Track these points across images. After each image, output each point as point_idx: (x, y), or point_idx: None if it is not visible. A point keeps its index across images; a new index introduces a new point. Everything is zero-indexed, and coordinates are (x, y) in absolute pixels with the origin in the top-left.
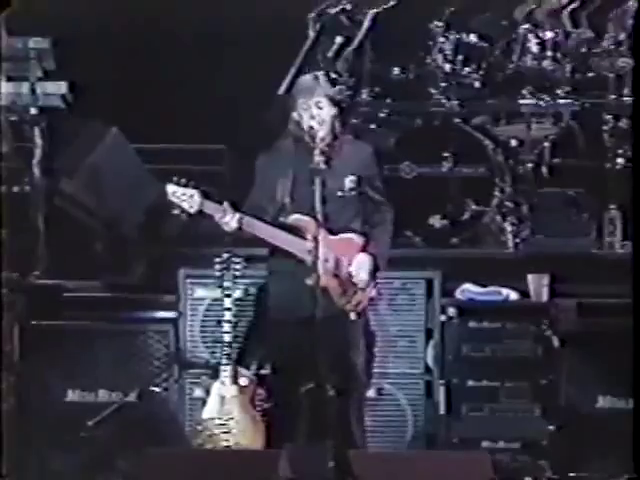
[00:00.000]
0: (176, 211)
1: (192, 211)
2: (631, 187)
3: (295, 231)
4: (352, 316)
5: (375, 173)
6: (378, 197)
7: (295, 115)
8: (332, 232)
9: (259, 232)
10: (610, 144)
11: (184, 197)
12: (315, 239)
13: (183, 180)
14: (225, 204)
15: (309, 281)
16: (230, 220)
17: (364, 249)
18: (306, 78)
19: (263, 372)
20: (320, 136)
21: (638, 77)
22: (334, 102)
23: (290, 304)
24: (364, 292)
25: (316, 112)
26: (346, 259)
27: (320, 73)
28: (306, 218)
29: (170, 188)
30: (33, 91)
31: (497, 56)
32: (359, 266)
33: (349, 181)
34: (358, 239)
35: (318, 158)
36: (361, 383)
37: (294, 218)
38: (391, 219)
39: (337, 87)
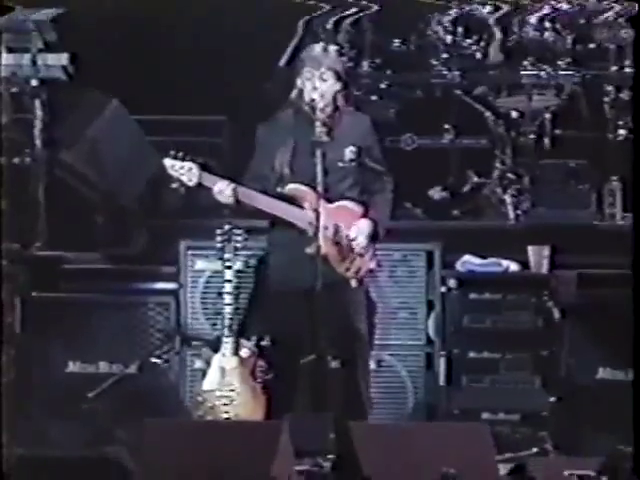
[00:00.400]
0: (175, 185)
1: (191, 184)
2: (632, 158)
3: (293, 201)
4: (353, 283)
5: (374, 143)
6: (378, 167)
7: (299, 83)
8: (330, 201)
9: (257, 203)
10: (611, 115)
11: (182, 170)
12: (316, 210)
13: (180, 154)
14: (224, 180)
15: (309, 250)
16: (226, 190)
17: (364, 215)
18: (315, 48)
19: (264, 344)
20: (320, 108)
21: (639, 48)
22: (339, 76)
23: (291, 275)
24: (363, 258)
25: (319, 84)
26: (345, 226)
27: (332, 46)
28: (304, 188)
29: (168, 162)
30: (34, 63)
31: (498, 27)
32: (359, 231)
33: (349, 152)
34: (356, 207)
35: (320, 130)
36: (364, 352)
37: (292, 188)
38: (391, 188)
39: (344, 60)
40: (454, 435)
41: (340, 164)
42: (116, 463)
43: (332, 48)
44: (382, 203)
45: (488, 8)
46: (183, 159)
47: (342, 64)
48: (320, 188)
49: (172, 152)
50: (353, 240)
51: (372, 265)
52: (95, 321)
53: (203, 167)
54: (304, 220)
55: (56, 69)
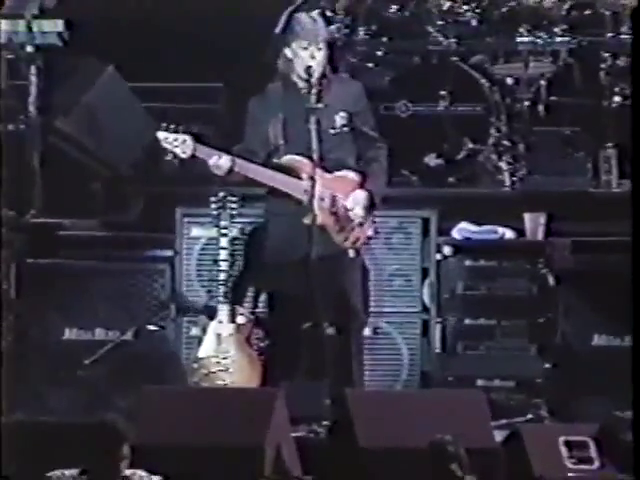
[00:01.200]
0: (168, 157)
1: (185, 156)
2: (630, 125)
3: (290, 172)
4: (350, 253)
5: (366, 109)
6: (372, 133)
7: (288, 53)
8: (327, 170)
9: (254, 175)
10: (607, 82)
11: (176, 142)
12: (312, 178)
13: (173, 125)
14: (219, 152)
15: (306, 220)
16: (223, 163)
17: (360, 185)
18: (305, 19)
19: (260, 311)
20: (317, 76)
21: (638, 15)
22: (329, 43)
23: (288, 244)
24: (361, 228)
25: (317, 53)
26: (342, 196)
27: (316, 14)
28: (300, 158)
29: (161, 135)
30: (29, 29)
31: None
32: (355, 202)
33: (340, 117)
34: (354, 176)
35: (314, 98)
36: (360, 321)
37: (288, 159)
38: (385, 155)
39: (334, 26)
40: (449, 402)
41: (332, 131)
42: (113, 429)
43: (318, 15)
44: (377, 171)
45: None
46: (176, 131)
47: (330, 29)
48: (315, 156)
49: (164, 124)
50: (350, 211)
51: (370, 232)
52: (91, 288)
53: (197, 139)
54: (300, 190)
55: (52, 35)
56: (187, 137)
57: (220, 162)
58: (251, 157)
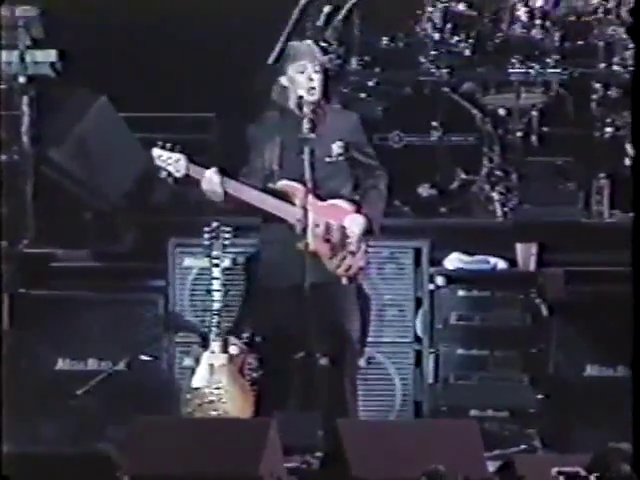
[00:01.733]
0: (162, 175)
1: (178, 175)
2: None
3: (284, 197)
4: (343, 281)
5: (363, 139)
6: (370, 162)
7: (284, 81)
8: (322, 198)
9: (247, 197)
10: (599, 113)
11: (170, 161)
12: (304, 207)
13: (169, 144)
14: (212, 169)
15: (300, 245)
16: (214, 180)
17: (358, 212)
18: (299, 45)
19: (253, 341)
20: (309, 103)
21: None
22: (324, 70)
23: (281, 271)
24: (354, 256)
25: (310, 79)
26: (337, 223)
27: (310, 42)
28: (294, 184)
29: (156, 152)
30: (22, 59)
31: (486, 24)
32: (353, 223)
33: (336, 146)
34: (349, 205)
35: (307, 126)
36: (354, 351)
37: (282, 184)
38: (385, 183)
39: (327, 56)
40: (442, 432)
41: (327, 159)
42: (106, 459)
43: (312, 43)
44: (376, 199)
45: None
46: (172, 150)
47: (324, 57)
48: (309, 184)
49: (160, 142)
50: (347, 230)
51: (362, 263)
52: (84, 318)
53: (191, 159)
54: (294, 216)
55: (44, 66)
56: (181, 156)
57: (214, 187)
58: (254, 181)
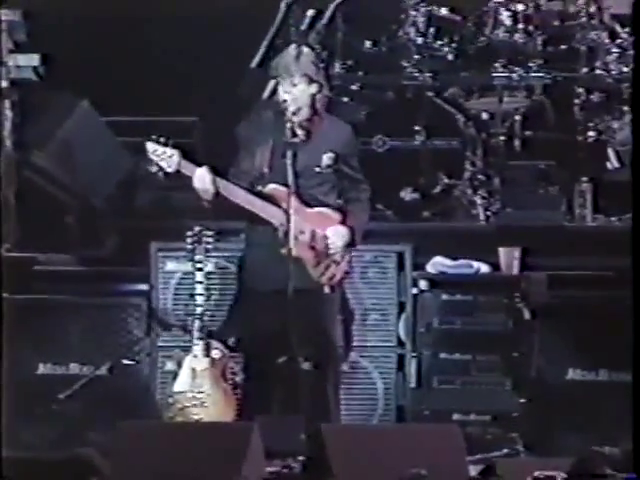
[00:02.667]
0: (154, 169)
1: (170, 170)
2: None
3: (272, 200)
4: (326, 289)
5: (354, 152)
6: (356, 175)
7: (273, 84)
8: (309, 205)
9: (235, 197)
10: (581, 117)
11: (164, 156)
12: (286, 211)
13: (163, 139)
14: (204, 167)
15: (283, 250)
16: (209, 187)
17: (342, 222)
18: (288, 53)
19: (236, 345)
20: (291, 111)
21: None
22: (312, 80)
23: (266, 275)
24: (338, 266)
25: (290, 88)
26: (322, 231)
27: (305, 49)
28: (282, 188)
29: (150, 146)
30: (4, 63)
31: (469, 29)
32: (336, 235)
33: (327, 157)
34: (335, 214)
35: (293, 132)
36: (337, 356)
37: (271, 187)
38: (367, 197)
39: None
40: (425, 436)
41: (317, 169)
42: (87, 464)
43: (306, 52)
44: (359, 211)
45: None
46: (166, 144)
47: (316, 68)
48: (292, 190)
49: (154, 136)
50: (329, 242)
51: (346, 270)
52: (66, 323)
53: (184, 155)
54: (280, 219)
55: (27, 70)
56: (174, 152)
57: (206, 185)
58: (242, 180)
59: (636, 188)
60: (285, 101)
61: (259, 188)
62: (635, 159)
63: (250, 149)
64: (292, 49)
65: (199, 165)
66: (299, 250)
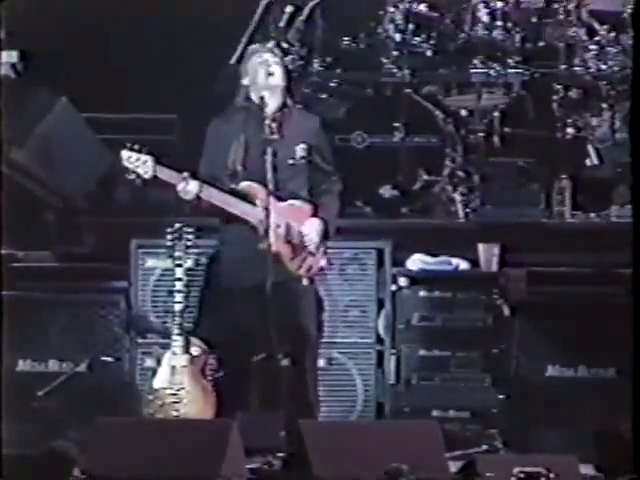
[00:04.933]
0: (131, 176)
1: (146, 176)
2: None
3: (246, 198)
4: (304, 281)
5: (323, 144)
6: (327, 167)
7: (245, 82)
8: (281, 199)
9: (215, 200)
10: (560, 114)
11: (138, 162)
12: (266, 208)
13: (137, 146)
14: (185, 173)
15: (261, 246)
16: (191, 188)
17: (314, 214)
18: (258, 47)
19: (214, 341)
20: (271, 105)
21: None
22: (286, 71)
23: (242, 272)
24: (315, 257)
25: (268, 81)
26: (297, 224)
27: (272, 43)
28: (256, 185)
29: (125, 154)
30: None
31: (448, 26)
32: (311, 228)
33: (300, 149)
34: (307, 206)
35: (269, 128)
36: (315, 352)
37: (245, 185)
38: (339, 189)
39: (289, 57)
40: (404, 433)
41: (290, 162)
42: (66, 460)
43: (273, 44)
44: (330, 203)
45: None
46: (140, 151)
47: (286, 58)
48: (271, 186)
49: (129, 144)
50: (305, 237)
51: (323, 263)
52: (45, 319)
53: (158, 161)
54: (256, 217)
55: (5, 66)
56: (148, 157)
57: (188, 187)
58: (211, 181)
59: (636, 185)
60: (262, 97)
61: (232, 186)
62: (634, 157)
63: (221, 148)
64: (262, 45)
65: (178, 171)
66: (276, 244)
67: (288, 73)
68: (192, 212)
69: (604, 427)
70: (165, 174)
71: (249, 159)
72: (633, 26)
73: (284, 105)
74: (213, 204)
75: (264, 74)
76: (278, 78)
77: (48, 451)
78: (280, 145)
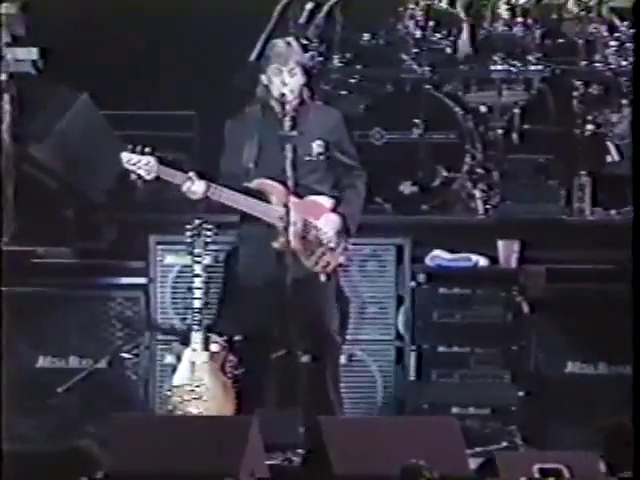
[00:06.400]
0: (133, 178)
1: (149, 178)
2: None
3: (260, 195)
4: (322, 277)
5: (345, 137)
6: (349, 161)
7: (264, 80)
8: (298, 195)
9: (225, 199)
10: (580, 110)
11: (140, 164)
12: (285, 205)
13: (139, 147)
14: (190, 173)
15: (276, 244)
16: (197, 188)
17: (333, 210)
18: (279, 43)
19: (235, 338)
20: (290, 102)
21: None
22: (305, 69)
23: (260, 269)
24: (333, 253)
25: (288, 79)
26: (314, 221)
27: (292, 39)
28: (271, 182)
29: (125, 156)
30: (2, 57)
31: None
32: (326, 224)
33: (317, 145)
34: (326, 201)
35: (288, 124)
36: (335, 348)
37: (259, 182)
38: (364, 182)
39: (309, 53)
40: (424, 429)
41: (307, 158)
42: (86, 456)
43: (293, 40)
44: (353, 198)
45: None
46: (142, 153)
47: (306, 55)
48: (290, 183)
49: (130, 146)
50: (320, 232)
51: (341, 260)
52: (65, 316)
53: (161, 161)
54: (271, 215)
55: (26, 63)
56: (150, 159)
57: (194, 187)
58: (229, 181)
59: (636, 182)
60: (283, 94)
61: (246, 184)
62: (635, 153)
63: (237, 148)
64: (282, 41)
65: (180, 168)
66: (293, 242)
67: (307, 70)
68: (205, 210)
69: (623, 424)
70: (168, 174)
71: (265, 157)
72: (634, 18)
73: (303, 101)
74: (224, 204)
75: (284, 71)
76: (298, 75)
77: (70, 449)
78: (297, 141)
